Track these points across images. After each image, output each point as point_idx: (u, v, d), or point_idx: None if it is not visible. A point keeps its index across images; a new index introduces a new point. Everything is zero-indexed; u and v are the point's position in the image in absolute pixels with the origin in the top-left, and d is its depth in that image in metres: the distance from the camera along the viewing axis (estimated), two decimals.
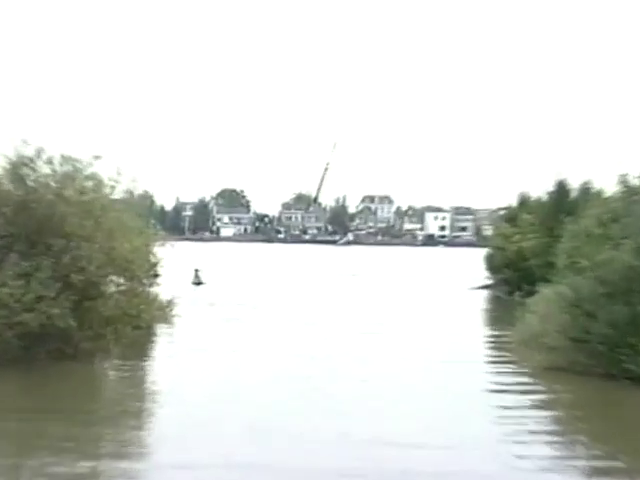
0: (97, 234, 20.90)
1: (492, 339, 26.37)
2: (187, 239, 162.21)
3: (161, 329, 26.62)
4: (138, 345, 22.46)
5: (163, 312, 28.35)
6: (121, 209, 22.33)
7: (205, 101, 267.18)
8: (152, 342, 24.46)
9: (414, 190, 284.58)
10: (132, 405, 16.42)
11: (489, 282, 47.24)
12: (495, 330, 28.44)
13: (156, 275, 33.12)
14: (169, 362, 20.55)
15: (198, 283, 46.48)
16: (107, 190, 22.09)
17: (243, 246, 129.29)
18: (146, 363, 20.81)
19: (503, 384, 18.83)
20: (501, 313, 34.13)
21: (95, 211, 21.29)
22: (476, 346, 24.68)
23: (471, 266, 57.39)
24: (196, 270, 47.59)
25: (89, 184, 22.27)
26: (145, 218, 32.17)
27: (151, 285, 31.86)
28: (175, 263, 68.17)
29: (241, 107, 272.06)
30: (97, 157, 22.61)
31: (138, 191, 26.32)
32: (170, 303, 29.70)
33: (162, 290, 31.08)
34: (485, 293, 45.34)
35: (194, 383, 18.13)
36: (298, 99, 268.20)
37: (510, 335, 23.93)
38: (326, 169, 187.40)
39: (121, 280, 24.22)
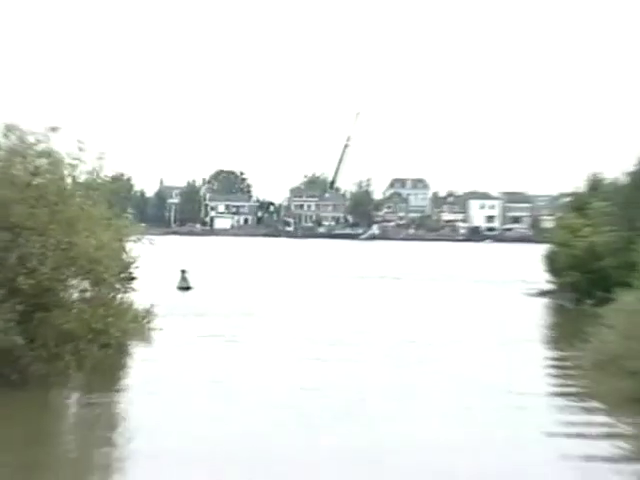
0: (53, 226, 20.25)
1: (556, 362, 25.54)
2: (174, 232, 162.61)
3: (137, 347, 26.01)
4: (106, 369, 21.86)
5: (139, 325, 27.87)
6: (85, 195, 21.64)
7: (197, 69, 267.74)
8: (124, 365, 23.78)
9: (454, 172, 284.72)
10: (95, 459, 15.56)
11: (550, 287, 46.50)
12: (559, 350, 27.57)
13: (131, 278, 32.67)
14: (145, 397, 19.70)
15: (185, 288, 46.05)
16: (67, 171, 21.41)
17: (242, 241, 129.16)
18: (116, 397, 20.00)
19: (571, 424, 17.84)
20: (567, 327, 33.37)
21: (50, 197, 20.65)
22: (535, 372, 23.83)
23: (527, 267, 56.70)
24: (183, 272, 47.14)
25: (43, 163, 21.65)
26: (118, 206, 31.62)
27: (125, 291, 31.63)
28: (158, 263, 68.25)
29: (239, 74, 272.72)
30: (54, 129, 21.98)
31: (108, 172, 25.71)
32: (148, 314, 29.23)
33: (139, 297, 30.68)
34: (545, 301, 44.56)
35: (174, 428, 17.19)
36: (310, 63, 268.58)
37: (580, 356, 23.15)
38: (346, 146, 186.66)
39: (86, 285, 23.70)
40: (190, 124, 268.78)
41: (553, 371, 24.21)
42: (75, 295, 22.88)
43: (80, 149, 21.23)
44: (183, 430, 16.83)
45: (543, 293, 46.53)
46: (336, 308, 39.17)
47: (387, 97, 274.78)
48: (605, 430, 17.46)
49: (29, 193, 20.45)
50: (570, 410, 19.16)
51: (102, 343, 22.26)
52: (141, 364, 23.88)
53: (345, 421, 17.71)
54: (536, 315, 38.73)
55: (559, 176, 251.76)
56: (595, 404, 19.59)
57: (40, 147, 21.88)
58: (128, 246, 30.38)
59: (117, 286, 31.00)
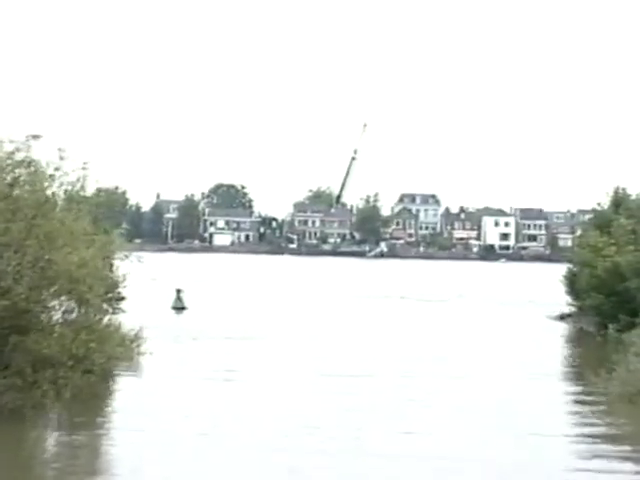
0: (30, 242, 19.41)
1: (580, 396, 24.48)
2: (170, 249, 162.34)
3: (123, 374, 25.16)
4: (88, 400, 20.98)
5: (126, 350, 27.02)
6: (66, 208, 20.82)
7: (196, 78, 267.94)
8: (107, 396, 22.91)
9: (467, 187, 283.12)
10: None
11: (571, 310, 45.64)
12: (583, 382, 26.36)
13: (120, 298, 31.91)
14: (127, 436, 18.67)
15: (180, 308, 45.36)
16: (47, 182, 20.62)
17: (243, 259, 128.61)
18: (96, 435, 19.01)
19: (598, 471, 16.81)
20: (590, 355, 32.51)
21: (28, 210, 19.84)
22: (558, 409, 22.82)
23: (545, 288, 55.92)
24: (178, 291, 46.45)
25: (22, 173, 20.88)
26: (110, 221, 30.87)
27: (114, 312, 30.87)
28: (152, 281, 67.33)
29: (240, 83, 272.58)
30: (35, 137, 21.23)
31: (94, 183, 24.97)
32: (137, 337, 28.39)
33: (130, 318, 29.91)
34: (566, 325, 43.69)
35: (156, 474, 16.21)
36: (315, 71, 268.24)
37: (605, 388, 22.23)
38: (353, 159, 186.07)
39: (69, 306, 22.93)
40: (188, 135, 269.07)
41: (577, 408, 23.13)
42: (56, 317, 22.05)
43: (61, 158, 20.41)
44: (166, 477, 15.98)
45: (564, 316, 45.75)
46: (342, 332, 38.24)
47: (396, 108, 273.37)
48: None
49: (5, 206, 19.63)
50: (595, 453, 18.07)
51: (84, 370, 21.41)
52: (126, 395, 22.97)
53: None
54: (557, 342, 37.85)
55: (577, 192, 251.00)
56: (626, 447, 18.55)
57: (19, 156, 21.12)
58: (116, 264, 29.83)
59: (104, 307, 30.65)
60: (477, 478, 16.53)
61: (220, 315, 43.50)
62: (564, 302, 46.43)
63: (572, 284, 45.01)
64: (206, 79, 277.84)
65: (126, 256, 28.58)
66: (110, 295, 31.23)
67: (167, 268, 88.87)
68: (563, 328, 42.63)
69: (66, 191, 21.46)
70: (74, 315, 22.29)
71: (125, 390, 23.44)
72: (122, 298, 31.37)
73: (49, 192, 20.74)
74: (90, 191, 22.63)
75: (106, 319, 28.74)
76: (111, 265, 30.69)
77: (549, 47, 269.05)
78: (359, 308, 51.05)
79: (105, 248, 25.74)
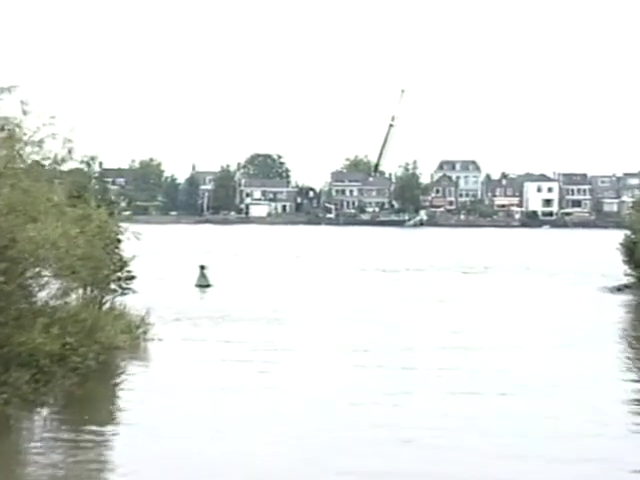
0: None
1: None
2: (206, 221, 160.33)
3: (125, 367, 21.91)
4: (78, 403, 17.75)
5: (132, 336, 23.84)
6: (34, 175, 17.35)
7: (231, 47, 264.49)
8: (102, 398, 19.48)
9: (508, 153, 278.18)
10: None
11: (630, 281, 42.05)
12: None
13: (129, 277, 28.72)
14: (120, 452, 15.20)
15: (204, 285, 42.03)
16: (16, 143, 17.18)
17: (280, 230, 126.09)
18: (95, 443, 15.60)
19: None
20: None
21: None
22: (615, 405, 19.19)
23: (595, 256, 52.51)
24: (202, 267, 43.19)
25: None
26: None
27: (123, 293, 27.78)
28: (181, 255, 64.15)
29: (276, 50, 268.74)
30: (9, 88, 17.83)
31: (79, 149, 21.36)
32: (143, 323, 25.20)
33: (145, 299, 26.93)
34: (625, 298, 39.87)
35: None
36: (351, 36, 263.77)
37: None
38: (391, 126, 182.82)
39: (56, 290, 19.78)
40: (224, 105, 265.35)
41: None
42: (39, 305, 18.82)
43: (24, 112, 16.94)
44: None
45: (621, 288, 42.14)
46: (383, 310, 34.53)
47: (434, 72, 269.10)
48: None
49: None
50: None
51: (73, 366, 18.19)
52: (123, 397, 19.45)
53: None
54: (616, 319, 33.90)
55: (622, 155, 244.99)
56: None
57: None
58: (119, 239, 26.69)
59: (112, 287, 27.58)
60: None
61: (247, 293, 40.05)
62: (620, 272, 43.05)
63: (631, 252, 41.51)
64: (243, 47, 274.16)
65: (121, 232, 25.26)
66: (119, 275, 28.51)
67: (200, 240, 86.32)
68: (622, 302, 38.73)
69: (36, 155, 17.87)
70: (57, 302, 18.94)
71: (122, 391, 19.97)
72: (132, 277, 28.18)
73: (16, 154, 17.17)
74: (73, 160, 19.00)
75: (108, 303, 25.95)
76: (117, 241, 27.69)
77: (589, 7, 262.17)
78: (403, 282, 47.73)
79: (105, 223, 22.47)
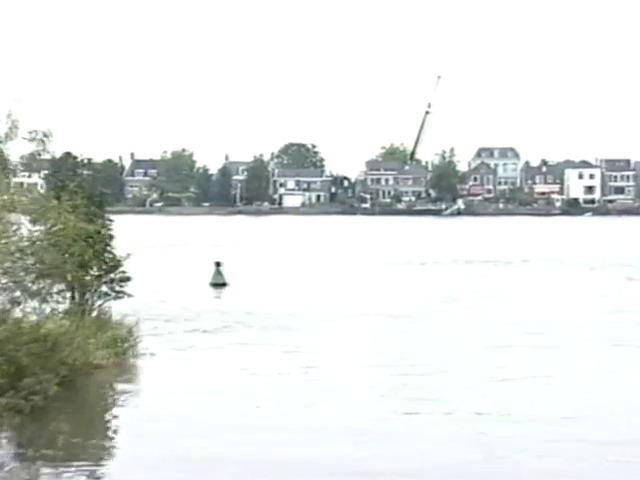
0: None
1: None
2: (239, 212, 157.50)
3: (102, 391, 18.27)
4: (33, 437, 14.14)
5: (115, 352, 20.26)
6: None
7: (264, 34, 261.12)
8: (59, 440, 15.56)
9: (548, 139, 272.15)
10: None
11: None
12: None
13: (123, 280, 25.26)
14: None
15: (219, 284, 38.33)
16: None
17: (313, 220, 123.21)
18: None
19: None
20: None
21: None
22: None
23: None
24: (217, 264, 39.75)
25: None
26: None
27: (117, 296, 24.55)
28: (205, 248, 60.80)
29: (310, 37, 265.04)
30: None
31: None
32: (130, 334, 21.63)
33: (149, 299, 23.51)
34: None
35: None
36: (386, 21, 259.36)
37: None
38: (427, 113, 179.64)
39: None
40: (257, 94, 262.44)
41: None
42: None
43: None
44: None
45: None
46: (418, 314, 30.40)
47: (470, 57, 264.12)
48: None
49: None
50: None
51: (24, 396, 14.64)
52: (79, 445, 15.24)
53: None
54: None
55: None
56: None
57: None
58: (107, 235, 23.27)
59: (104, 291, 24.36)
60: None
61: (265, 293, 36.22)
62: None
63: None
64: (276, 35, 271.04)
65: (108, 228, 21.80)
66: (112, 277, 25.12)
67: (228, 232, 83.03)
68: None
69: None
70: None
71: (83, 428, 16.17)
72: (127, 279, 24.68)
73: None
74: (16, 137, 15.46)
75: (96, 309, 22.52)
76: (110, 237, 24.32)
77: None
78: (431, 277, 43.84)
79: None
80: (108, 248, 24.26)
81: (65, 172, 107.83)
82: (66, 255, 22.78)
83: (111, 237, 24.44)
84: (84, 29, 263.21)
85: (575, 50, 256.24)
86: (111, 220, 24.13)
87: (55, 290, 20.34)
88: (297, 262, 52.22)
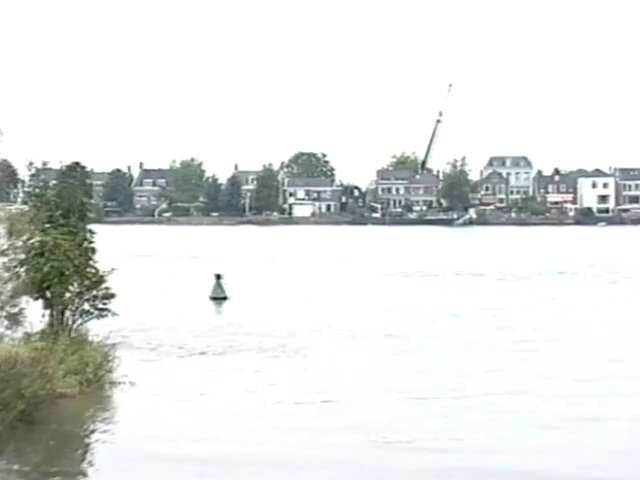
0: None
1: None
2: (248, 222, 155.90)
3: (77, 417, 16.35)
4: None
5: (86, 378, 18.27)
6: None
7: (274, 43, 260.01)
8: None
9: (560, 148, 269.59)
10: None
11: None
12: None
13: (107, 296, 23.38)
14: None
15: (220, 298, 36.45)
16: None
17: (323, 230, 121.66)
18: None
19: None
20: None
21: None
22: None
23: None
24: (217, 277, 37.96)
25: None
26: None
27: (100, 314, 22.72)
28: (209, 260, 58.95)
29: (320, 46, 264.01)
30: None
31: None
32: (106, 359, 19.63)
33: (141, 316, 21.60)
34: None
35: None
36: (397, 30, 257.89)
37: None
38: (438, 122, 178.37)
39: None
40: (267, 103, 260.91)
41: None
42: None
43: None
44: None
45: None
46: (434, 335, 28.27)
47: (482, 66, 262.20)
48: None
49: None
50: None
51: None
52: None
53: None
54: None
55: None
56: None
57: None
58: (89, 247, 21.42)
59: (86, 309, 22.58)
60: None
61: (266, 308, 34.25)
62: None
63: None
64: (286, 44, 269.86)
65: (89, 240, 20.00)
66: (94, 294, 23.26)
67: (237, 242, 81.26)
68: None
69: None
70: None
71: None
72: (111, 295, 22.78)
73: None
74: None
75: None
76: (93, 251, 22.47)
77: None
78: (441, 291, 41.95)
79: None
80: (90, 262, 22.38)
81: (73, 182, 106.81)
82: (44, 270, 21.11)
83: (93, 250, 22.55)
84: (94, 40, 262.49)
85: (588, 59, 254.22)
86: (93, 232, 22.22)
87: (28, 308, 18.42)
88: (302, 274, 50.28)
